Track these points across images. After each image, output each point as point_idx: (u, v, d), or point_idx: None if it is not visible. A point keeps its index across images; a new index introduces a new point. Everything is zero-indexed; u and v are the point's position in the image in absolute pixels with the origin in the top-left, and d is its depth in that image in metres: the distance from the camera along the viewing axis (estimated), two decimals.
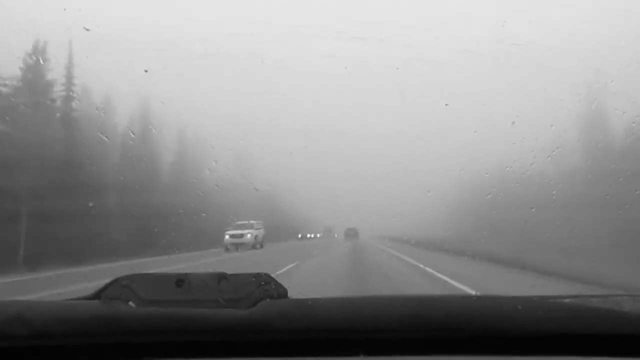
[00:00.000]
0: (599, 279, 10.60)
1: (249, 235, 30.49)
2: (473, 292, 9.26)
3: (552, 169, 27.11)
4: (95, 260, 20.37)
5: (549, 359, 1.26)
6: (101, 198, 25.62)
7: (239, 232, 30.16)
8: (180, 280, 1.37)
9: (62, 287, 11.51)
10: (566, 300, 1.50)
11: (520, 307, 1.32)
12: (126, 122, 32.75)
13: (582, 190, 25.27)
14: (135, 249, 24.46)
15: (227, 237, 30.07)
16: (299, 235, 56.70)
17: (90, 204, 22.90)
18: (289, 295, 1.39)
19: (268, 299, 1.33)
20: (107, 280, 1.40)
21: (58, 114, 28.80)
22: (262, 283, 1.37)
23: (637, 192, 15.66)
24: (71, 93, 29.03)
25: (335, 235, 74.64)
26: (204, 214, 29.30)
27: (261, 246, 31.58)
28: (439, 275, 13.16)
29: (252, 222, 31.88)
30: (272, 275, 1.40)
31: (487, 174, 37.15)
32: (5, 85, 25.30)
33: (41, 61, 25.88)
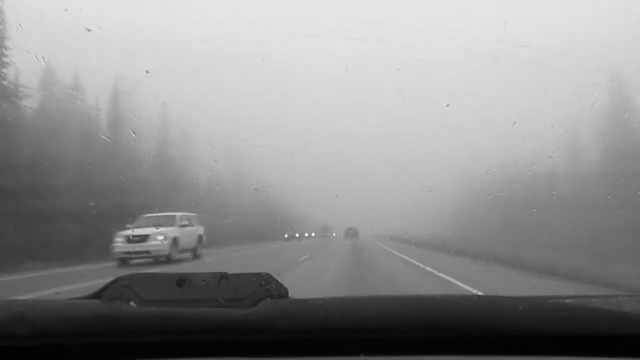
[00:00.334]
0: (599, 278, 10.61)
1: (158, 239, 18.21)
2: (474, 292, 9.27)
3: (553, 170, 27.13)
4: (95, 260, 20.38)
5: (549, 359, 1.26)
6: (100, 198, 25.59)
7: (143, 232, 18.10)
8: (181, 280, 1.37)
9: (62, 286, 11.51)
10: (567, 301, 1.50)
11: (520, 307, 1.32)
12: (127, 121, 32.73)
13: (583, 190, 25.31)
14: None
15: (118, 244, 18.19)
16: (286, 235, 48.38)
17: (91, 204, 22.92)
18: (289, 295, 1.40)
19: (269, 299, 1.34)
20: (107, 280, 1.40)
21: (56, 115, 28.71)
22: (263, 283, 1.37)
23: (638, 192, 15.66)
24: (76, 93, 29.04)
25: (334, 234, 72.96)
26: (205, 215, 29.32)
27: (195, 255, 20.64)
28: (441, 274, 13.17)
29: (170, 215, 20.20)
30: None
31: (488, 174, 37.18)
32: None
33: (43, 61, 25.90)
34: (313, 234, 65.83)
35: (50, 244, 20.71)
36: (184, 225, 19.94)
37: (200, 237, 21.53)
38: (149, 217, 19.73)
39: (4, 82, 23.92)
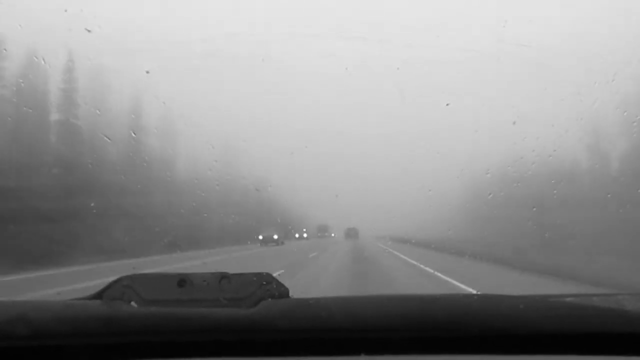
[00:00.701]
0: (599, 278, 10.62)
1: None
2: (474, 291, 9.27)
3: (553, 169, 27.10)
4: (95, 260, 20.40)
5: (550, 357, 1.26)
6: (103, 197, 25.60)
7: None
8: (182, 280, 1.37)
9: (62, 285, 11.53)
10: (567, 299, 1.51)
11: (521, 306, 1.32)
12: (127, 122, 32.75)
13: (583, 189, 25.31)
14: (136, 248, 24.45)
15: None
16: (260, 237, 37.31)
17: (92, 204, 22.94)
18: (290, 295, 1.40)
19: (269, 299, 1.34)
20: (109, 280, 1.40)
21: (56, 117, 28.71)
22: (264, 283, 1.37)
23: (639, 190, 15.66)
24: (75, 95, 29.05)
25: (333, 234, 71.24)
26: (205, 214, 29.33)
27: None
28: (441, 275, 13.17)
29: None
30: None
31: (488, 173, 37.16)
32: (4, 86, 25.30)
33: (43, 62, 25.92)
34: (305, 235, 56.38)
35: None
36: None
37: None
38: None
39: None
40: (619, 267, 11.99)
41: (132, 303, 1.35)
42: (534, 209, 23.79)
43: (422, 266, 16.17)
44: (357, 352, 1.27)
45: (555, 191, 24.11)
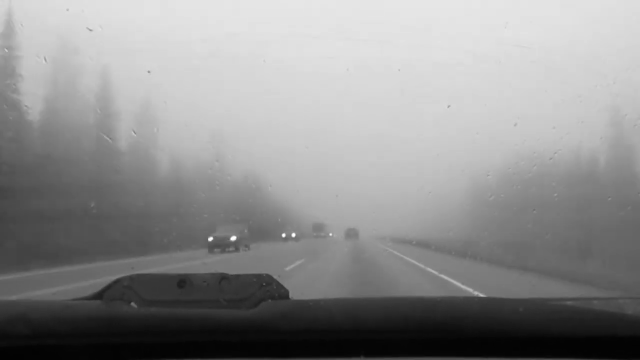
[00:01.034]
0: (600, 279, 10.62)
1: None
2: (475, 294, 9.26)
3: (554, 171, 27.10)
4: (96, 259, 20.41)
5: None
6: (102, 197, 25.59)
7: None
8: (181, 281, 1.37)
9: (62, 285, 11.54)
10: (568, 303, 1.50)
11: (521, 309, 1.32)
12: (128, 122, 32.77)
13: (584, 192, 25.30)
14: (136, 247, 24.46)
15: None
16: (209, 239, 27.22)
17: (92, 204, 22.95)
18: (290, 296, 1.40)
19: (269, 300, 1.34)
20: (108, 280, 1.40)
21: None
22: (264, 284, 1.37)
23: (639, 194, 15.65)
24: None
25: (331, 234, 68.83)
26: (205, 215, 29.32)
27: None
28: (442, 276, 13.17)
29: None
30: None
31: (489, 175, 37.19)
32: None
33: (45, 61, 25.90)
34: (294, 234, 45.49)
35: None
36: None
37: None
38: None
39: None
40: (616, 267, 11.99)
41: (132, 303, 1.35)
42: (534, 211, 23.79)
43: (422, 266, 16.18)
44: (357, 354, 1.27)
45: (556, 194, 24.11)
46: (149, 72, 27.37)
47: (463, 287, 10.73)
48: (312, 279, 12.73)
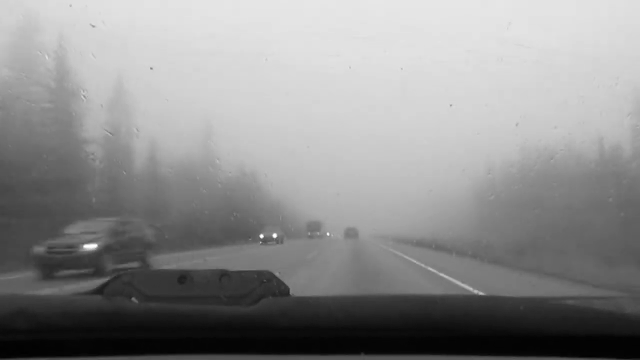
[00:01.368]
0: (599, 279, 10.61)
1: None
2: (475, 292, 9.27)
3: (555, 171, 27.08)
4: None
5: (549, 359, 1.26)
6: (103, 195, 25.59)
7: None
8: (182, 277, 1.38)
9: (62, 285, 11.52)
10: (567, 302, 1.51)
11: (521, 308, 1.32)
12: (130, 118, 32.74)
13: (585, 191, 25.27)
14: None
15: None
16: (37, 251, 13.26)
17: (93, 200, 22.96)
18: (290, 293, 1.40)
19: (270, 297, 1.34)
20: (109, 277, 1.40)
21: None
22: (264, 280, 1.37)
23: None
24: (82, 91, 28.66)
25: (329, 234, 62.70)
26: (206, 212, 29.34)
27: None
28: (443, 275, 13.17)
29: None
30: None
31: (489, 174, 37.17)
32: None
33: (47, 57, 25.84)
34: (275, 235, 36.09)
35: None
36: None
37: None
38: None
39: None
40: (614, 267, 11.98)
41: (133, 299, 1.35)
42: (535, 210, 23.78)
43: (422, 265, 16.17)
44: (357, 351, 1.27)
45: (557, 194, 24.08)
46: (151, 68, 27.41)
47: (463, 285, 10.73)
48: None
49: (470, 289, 10.11)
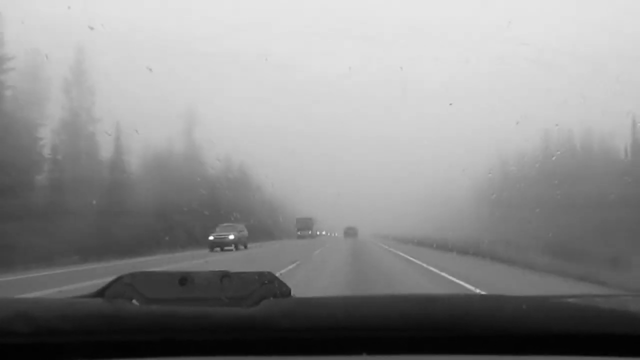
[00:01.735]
0: (599, 278, 10.61)
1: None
2: (476, 291, 9.27)
3: (556, 170, 27.09)
4: (97, 259, 20.41)
5: (551, 358, 1.26)
6: (103, 195, 25.58)
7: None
8: (183, 279, 1.37)
9: (63, 284, 11.55)
10: (570, 300, 1.50)
11: (524, 307, 1.32)
12: (130, 119, 32.79)
13: (587, 190, 25.27)
14: (138, 247, 24.42)
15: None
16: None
17: (94, 202, 22.97)
18: (292, 294, 1.40)
19: (271, 298, 1.34)
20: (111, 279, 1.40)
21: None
22: (265, 282, 1.37)
23: None
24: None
25: (325, 233, 61.36)
26: (206, 212, 29.33)
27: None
28: (444, 275, 13.17)
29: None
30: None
31: (490, 173, 37.18)
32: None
33: (46, 58, 25.86)
34: (232, 236, 28.62)
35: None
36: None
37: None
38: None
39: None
40: (621, 269, 11.98)
41: (134, 301, 1.35)
42: (537, 210, 23.76)
43: (423, 264, 16.18)
44: (358, 352, 1.27)
45: (558, 192, 24.07)
46: (150, 69, 27.41)
47: (464, 284, 10.73)
48: None
49: (472, 288, 10.11)
